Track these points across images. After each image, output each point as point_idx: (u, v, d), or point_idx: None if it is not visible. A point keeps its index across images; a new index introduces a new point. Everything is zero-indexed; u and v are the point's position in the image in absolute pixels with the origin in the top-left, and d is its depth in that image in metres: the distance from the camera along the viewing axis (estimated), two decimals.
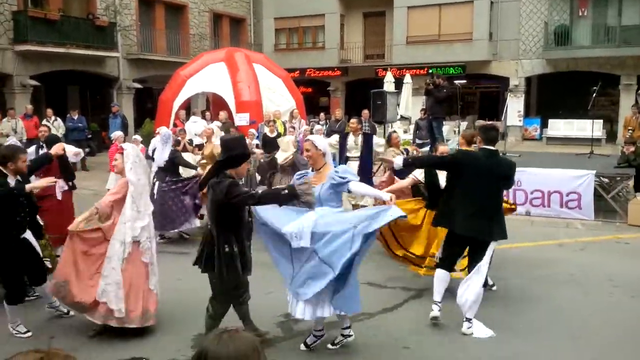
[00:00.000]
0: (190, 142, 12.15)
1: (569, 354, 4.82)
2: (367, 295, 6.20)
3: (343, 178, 4.68)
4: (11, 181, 5.01)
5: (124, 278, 4.90)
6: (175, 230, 8.63)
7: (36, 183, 5.40)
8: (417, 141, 15.15)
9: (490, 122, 15.60)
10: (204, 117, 15.56)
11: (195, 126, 13.60)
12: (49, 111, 16.51)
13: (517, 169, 6.03)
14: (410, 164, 5.95)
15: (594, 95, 13.69)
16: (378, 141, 9.50)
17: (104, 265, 4.95)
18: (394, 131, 10.81)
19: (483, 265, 5.08)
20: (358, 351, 4.84)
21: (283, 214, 4.60)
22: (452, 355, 4.77)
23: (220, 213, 4.41)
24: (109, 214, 5.07)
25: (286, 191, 4.29)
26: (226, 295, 4.68)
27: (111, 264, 4.91)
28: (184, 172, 9.11)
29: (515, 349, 4.89)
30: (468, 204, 5.06)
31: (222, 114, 13.99)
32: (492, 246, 5.17)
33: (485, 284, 5.56)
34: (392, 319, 5.56)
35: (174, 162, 8.62)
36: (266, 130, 12.31)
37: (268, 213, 4.65)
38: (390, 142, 9.55)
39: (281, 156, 8.73)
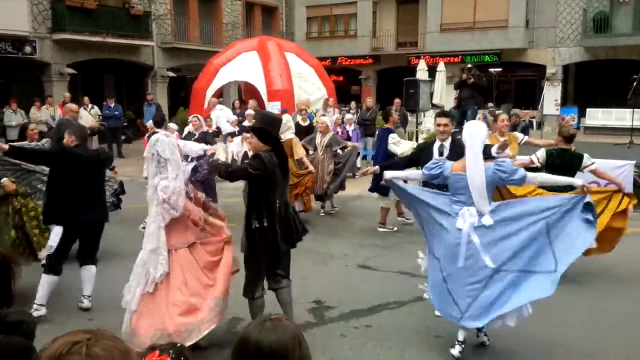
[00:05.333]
0: (218, 129, 12.30)
1: (603, 344, 4.73)
2: (398, 283, 6.22)
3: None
4: None
5: None
6: None
7: None
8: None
9: None
10: (233, 106, 15.68)
11: (222, 114, 13.72)
12: (86, 99, 16.88)
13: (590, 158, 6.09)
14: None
15: (634, 83, 13.32)
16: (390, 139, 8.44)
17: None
18: (500, 113, 8.60)
19: None
20: (390, 338, 4.85)
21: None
22: (482, 344, 4.74)
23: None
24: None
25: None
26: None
27: None
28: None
29: (549, 338, 4.83)
30: None
31: (252, 102, 14.08)
32: None
33: None
34: (424, 308, 5.53)
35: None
36: (298, 119, 12.33)
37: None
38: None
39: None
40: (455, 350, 4.42)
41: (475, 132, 4.34)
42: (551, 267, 4.14)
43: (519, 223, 4.23)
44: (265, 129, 4.50)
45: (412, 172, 5.24)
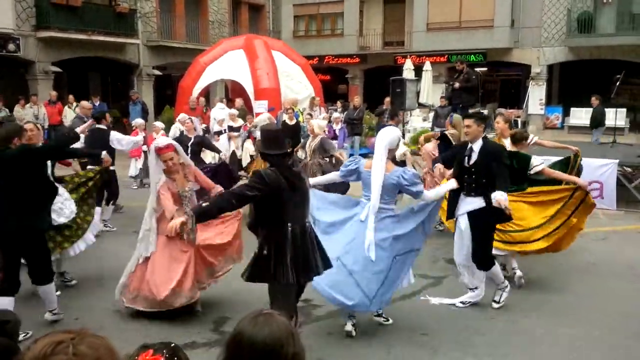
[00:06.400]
0: (206, 129, 12.24)
1: (588, 343, 4.80)
2: None
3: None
4: None
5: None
6: None
7: None
8: (436, 129, 15.08)
9: None
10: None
11: (223, 113, 13.66)
12: (71, 97, 16.73)
13: (540, 157, 6.13)
14: None
15: (618, 83, 13.46)
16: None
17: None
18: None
19: None
20: (377, 336, 4.88)
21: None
22: (468, 340, 4.78)
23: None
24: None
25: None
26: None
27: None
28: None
29: (534, 336, 4.89)
30: None
31: (238, 101, 14.05)
32: None
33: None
34: (410, 306, 5.57)
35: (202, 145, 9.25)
36: (285, 117, 12.33)
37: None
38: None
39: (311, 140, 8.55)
40: (350, 327, 4.83)
41: (381, 137, 4.79)
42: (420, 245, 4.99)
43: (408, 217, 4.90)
44: (263, 152, 4.14)
45: (333, 174, 5.33)
